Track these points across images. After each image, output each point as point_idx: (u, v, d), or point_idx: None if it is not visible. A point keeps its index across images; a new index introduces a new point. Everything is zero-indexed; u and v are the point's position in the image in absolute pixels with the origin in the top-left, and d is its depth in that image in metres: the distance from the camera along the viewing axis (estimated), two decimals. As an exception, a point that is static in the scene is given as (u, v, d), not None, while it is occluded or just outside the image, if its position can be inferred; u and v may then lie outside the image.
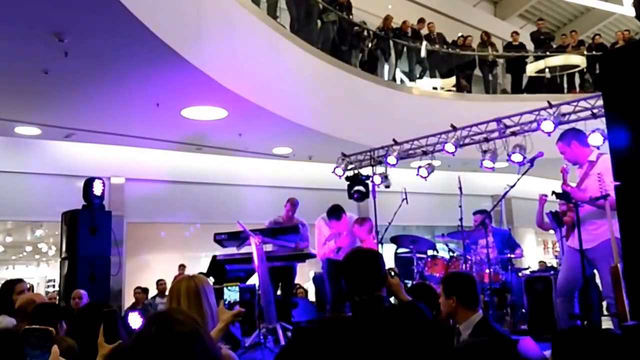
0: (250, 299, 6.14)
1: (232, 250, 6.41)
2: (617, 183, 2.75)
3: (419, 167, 7.34)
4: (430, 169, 7.30)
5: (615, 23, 15.98)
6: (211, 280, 6.46)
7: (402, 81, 10.51)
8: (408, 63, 10.78)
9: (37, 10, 4.60)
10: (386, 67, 10.35)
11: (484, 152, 6.69)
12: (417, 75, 10.79)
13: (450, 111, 9.22)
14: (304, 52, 8.04)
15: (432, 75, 10.92)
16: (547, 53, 11.54)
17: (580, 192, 4.26)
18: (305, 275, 10.23)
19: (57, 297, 7.29)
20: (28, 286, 4.15)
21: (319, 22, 9.00)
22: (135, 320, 2.33)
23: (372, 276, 2.31)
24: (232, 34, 6.73)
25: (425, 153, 7.28)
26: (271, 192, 9.65)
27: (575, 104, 6.16)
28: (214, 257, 6.78)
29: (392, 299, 2.73)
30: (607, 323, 4.64)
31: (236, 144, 9.01)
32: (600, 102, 5.49)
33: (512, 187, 5.60)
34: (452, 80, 11.10)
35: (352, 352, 2.03)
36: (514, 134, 6.49)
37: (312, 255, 6.54)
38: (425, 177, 7.34)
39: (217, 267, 6.63)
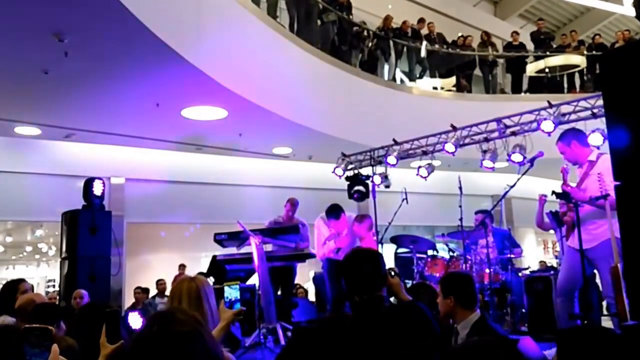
0: (250, 299, 6.14)
1: (232, 250, 6.41)
2: (617, 183, 2.75)
3: (419, 167, 7.34)
4: (430, 169, 7.30)
5: (615, 23, 15.99)
6: (211, 280, 6.46)
7: (402, 81, 10.51)
8: (408, 63, 10.78)
9: (37, 11, 4.60)
10: (386, 67, 10.35)
11: (484, 152, 6.69)
12: (417, 75, 10.79)
13: (450, 111, 9.22)
14: (304, 52, 8.04)
15: (432, 75, 10.92)
16: (547, 53, 11.54)
17: (580, 192, 4.26)
18: (305, 275, 10.23)
19: (57, 297, 7.29)
20: (29, 286, 4.14)
21: (318, 22, 9.00)
22: (135, 320, 2.33)
23: (372, 276, 2.31)
24: (232, 34, 6.73)
25: (425, 153, 7.28)
26: (271, 192, 9.65)
27: (575, 104, 6.16)
28: (214, 257, 6.78)
29: (392, 299, 2.73)
30: (607, 323, 4.64)
31: (236, 144, 9.02)
32: (600, 102, 5.49)
33: (512, 187, 5.60)
34: (452, 80, 11.10)
35: (352, 352, 2.03)
36: (514, 134, 6.49)
37: (312, 255, 6.54)
38: (425, 177, 7.34)
39: (217, 267, 6.63)
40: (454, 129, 6.82)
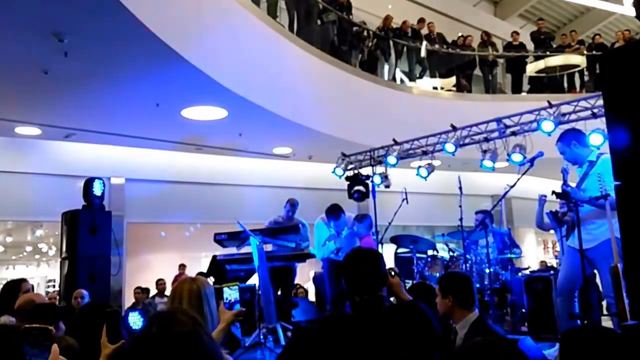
0: (250, 299, 6.14)
1: (232, 250, 6.41)
2: (617, 183, 2.75)
3: (419, 167, 7.34)
4: (430, 169, 7.30)
5: (615, 23, 15.98)
6: (211, 280, 6.46)
7: (402, 81, 10.51)
8: (408, 63, 10.78)
9: (37, 11, 4.60)
10: (386, 67, 10.35)
11: (484, 152, 6.70)
12: (417, 75, 10.79)
13: (450, 111, 9.22)
14: (304, 52, 8.05)
15: (432, 75, 10.92)
16: (547, 53, 11.54)
17: (579, 192, 4.27)
18: (305, 275, 10.23)
19: (58, 297, 7.29)
20: (30, 286, 4.14)
21: (318, 22, 9.00)
22: (135, 320, 2.33)
23: (373, 276, 2.31)
24: (232, 34, 6.73)
25: (425, 153, 7.28)
26: (271, 192, 9.65)
27: (575, 103, 6.16)
28: (214, 257, 6.78)
29: (392, 299, 2.73)
30: (607, 323, 4.64)
31: (236, 144, 9.02)
32: (600, 102, 5.50)
33: (512, 187, 5.60)
34: (452, 80, 11.10)
35: (352, 352, 2.03)
36: (514, 133, 6.49)
37: (312, 255, 6.54)
38: (425, 177, 7.34)
39: (217, 267, 6.63)
40: (454, 129, 6.82)
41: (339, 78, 8.62)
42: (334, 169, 7.90)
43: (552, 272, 6.67)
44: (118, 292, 8.22)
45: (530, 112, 6.37)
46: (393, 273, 2.69)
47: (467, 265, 6.44)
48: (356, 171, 7.80)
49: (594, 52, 11.20)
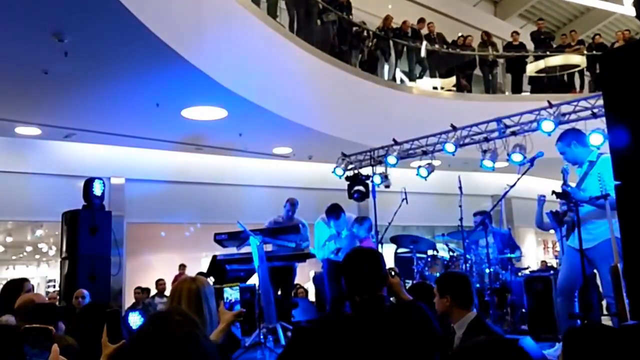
0: (250, 299, 6.14)
1: (232, 250, 6.41)
2: (617, 183, 2.75)
3: (419, 167, 7.34)
4: (430, 168, 7.30)
5: (615, 23, 15.98)
6: (211, 280, 6.46)
7: (402, 81, 10.51)
8: (408, 63, 10.78)
9: (37, 11, 4.60)
10: (386, 67, 10.35)
11: (484, 152, 6.70)
12: (417, 75, 10.79)
13: (450, 111, 9.21)
14: (304, 52, 8.05)
15: (432, 75, 10.92)
16: (547, 53, 11.54)
17: (579, 192, 4.27)
18: (305, 275, 10.23)
19: (58, 297, 7.29)
20: (31, 286, 4.14)
21: (318, 22, 9.00)
22: (135, 320, 2.33)
23: (373, 276, 2.31)
24: (232, 33, 6.73)
25: (425, 153, 7.28)
26: (271, 192, 9.65)
27: (575, 103, 6.16)
28: (214, 257, 6.78)
29: (392, 299, 2.73)
30: (607, 323, 4.64)
31: (236, 144, 9.02)
32: (600, 102, 5.50)
33: (512, 187, 5.60)
34: (452, 80, 11.10)
35: (352, 352, 2.03)
36: (514, 133, 6.49)
37: (312, 255, 6.54)
38: (425, 177, 7.34)
39: (217, 267, 6.63)
40: (454, 129, 6.82)
41: (339, 78, 8.62)
42: (334, 169, 7.90)
43: (552, 272, 6.66)
44: (118, 292, 8.22)
45: (530, 112, 6.37)
46: (393, 273, 2.69)
47: (467, 265, 6.44)
48: (356, 171, 7.80)
49: (594, 52, 11.20)
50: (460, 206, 6.11)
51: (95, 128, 7.89)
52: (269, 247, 6.41)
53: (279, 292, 6.61)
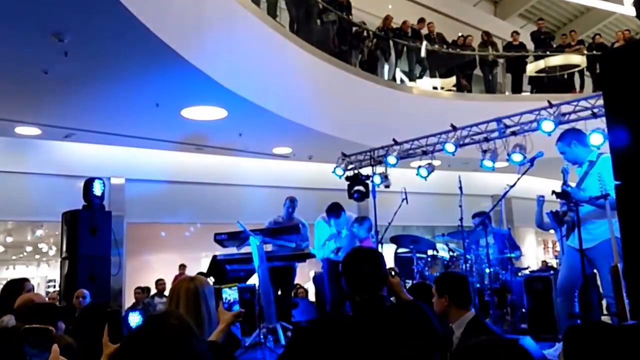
0: (250, 298, 6.14)
1: (232, 250, 6.41)
2: (617, 183, 2.75)
3: (419, 167, 7.34)
4: (430, 168, 7.30)
5: (615, 23, 15.98)
6: (211, 280, 6.46)
7: (402, 81, 10.51)
8: (408, 63, 10.78)
9: (37, 11, 4.60)
10: (386, 67, 10.35)
11: (484, 152, 6.70)
12: (417, 75, 10.79)
13: (450, 111, 9.21)
14: (304, 52, 8.04)
15: (432, 75, 10.92)
16: (547, 53, 11.54)
17: (579, 192, 4.27)
18: (305, 275, 10.23)
19: (58, 297, 7.29)
20: (32, 286, 4.14)
21: (318, 22, 9.00)
22: (135, 320, 2.33)
23: (373, 276, 2.31)
24: (232, 33, 6.73)
25: (425, 153, 7.28)
26: (271, 192, 9.65)
27: (575, 103, 6.16)
28: (214, 257, 6.78)
29: (392, 299, 2.73)
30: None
31: (236, 144, 9.01)
32: (601, 102, 5.50)
33: (512, 187, 5.60)
34: (452, 80, 11.10)
35: (353, 352, 2.03)
36: (514, 133, 6.49)
37: (312, 255, 6.54)
38: (425, 177, 7.34)
39: (217, 267, 6.63)
40: (454, 129, 6.82)
41: (339, 78, 8.62)
42: (334, 169, 7.90)
43: (552, 272, 6.66)
44: (118, 292, 8.22)
45: (530, 112, 6.37)
46: (393, 273, 2.69)
47: (467, 265, 6.44)
48: (356, 171, 7.80)
49: (594, 52, 11.20)
50: (460, 206, 6.11)
51: (95, 128, 7.89)
52: (269, 247, 6.41)
53: (279, 292, 6.61)
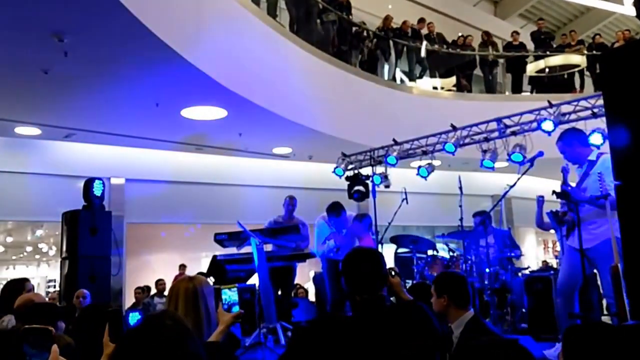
0: (250, 299, 6.14)
1: (232, 250, 6.41)
2: (618, 183, 2.75)
3: (419, 167, 7.34)
4: (430, 168, 7.30)
5: (615, 23, 15.98)
6: (211, 280, 6.46)
7: (402, 81, 10.51)
8: (408, 63, 10.78)
9: (37, 11, 4.60)
10: (386, 67, 10.35)
11: (484, 152, 6.69)
12: (417, 75, 10.79)
13: (450, 111, 9.21)
14: (303, 51, 8.04)
15: (432, 75, 10.92)
16: (547, 53, 11.54)
17: (580, 192, 4.27)
18: (305, 275, 10.24)
19: (58, 297, 7.29)
20: (32, 286, 4.15)
21: (318, 21, 9.00)
22: (135, 320, 2.34)
23: (373, 276, 2.31)
24: (232, 33, 6.72)
25: (425, 153, 7.27)
26: (271, 192, 9.65)
27: (575, 103, 6.16)
28: (214, 257, 6.78)
29: (392, 299, 2.73)
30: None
31: (236, 144, 9.02)
32: (601, 102, 5.49)
33: (512, 187, 5.60)
34: (452, 80, 11.10)
35: (353, 352, 2.03)
36: (514, 133, 6.49)
37: (312, 255, 6.54)
38: (425, 177, 7.34)
39: (217, 267, 6.63)
40: (454, 129, 6.82)
41: (339, 78, 8.62)
42: (334, 169, 7.90)
43: (552, 272, 6.66)
44: (118, 292, 8.22)
45: (530, 112, 6.37)
46: (393, 273, 2.69)
47: (467, 265, 6.44)
48: (356, 171, 7.80)
49: (594, 52, 11.20)
50: (460, 206, 6.11)
51: (95, 128, 7.89)
52: (269, 247, 6.41)
53: (279, 292, 6.60)
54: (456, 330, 2.99)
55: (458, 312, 3.03)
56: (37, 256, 16.07)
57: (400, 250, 7.39)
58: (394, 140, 7.40)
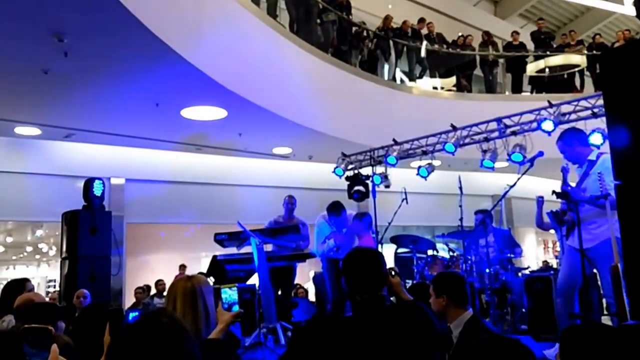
0: (250, 299, 6.14)
1: (232, 250, 6.41)
2: (618, 182, 2.75)
3: (419, 167, 7.34)
4: (430, 168, 7.30)
5: (615, 23, 15.98)
6: (211, 280, 6.46)
7: (402, 81, 10.51)
8: (408, 63, 10.78)
9: (37, 10, 4.60)
10: (386, 67, 10.35)
11: (484, 151, 6.70)
12: (417, 75, 10.78)
13: (450, 111, 9.22)
14: (303, 52, 8.04)
15: (432, 75, 10.92)
16: (548, 53, 11.54)
17: (579, 192, 4.27)
18: (305, 275, 10.23)
19: (58, 297, 7.29)
20: (32, 286, 4.15)
21: (318, 21, 9.00)
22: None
23: (373, 276, 2.32)
24: (232, 33, 6.72)
25: (425, 153, 7.27)
26: (271, 192, 9.65)
27: (575, 103, 6.16)
28: (214, 257, 6.78)
29: (392, 299, 2.73)
30: (607, 323, 4.64)
31: (236, 144, 9.01)
32: (601, 102, 5.50)
33: (512, 187, 5.60)
34: (452, 80, 11.10)
35: (353, 352, 2.03)
36: (514, 133, 6.49)
37: (312, 255, 6.54)
38: (425, 177, 7.34)
39: (217, 267, 6.63)
40: (454, 129, 6.82)
41: (339, 78, 8.62)
42: (334, 169, 7.90)
43: (552, 272, 6.66)
44: (118, 292, 8.22)
45: (530, 112, 6.37)
46: (393, 273, 2.70)
47: (467, 265, 6.44)
48: (356, 171, 7.80)
49: (594, 52, 11.20)
50: (460, 206, 6.11)
51: (95, 128, 7.89)
52: (269, 247, 6.41)
53: (279, 292, 6.60)
54: (455, 330, 2.99)
55: (457, 312, 3.03)
56: (37, 256, 16.07)
57: (400, 250, 7.39)
58: (394, 140, 7.40)
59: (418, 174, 7.35)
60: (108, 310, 1.99)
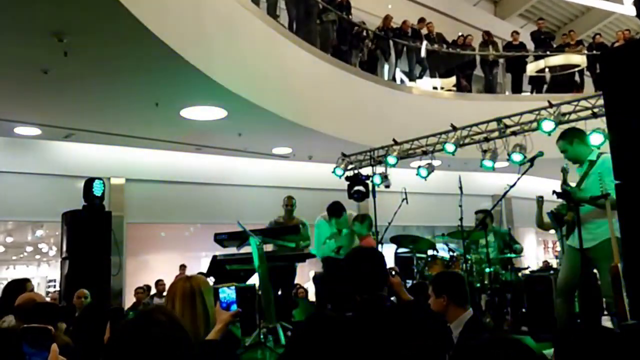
0: (250, 299, 6.13)
1: (232, 250, 6.40)
2: (618, 182, 2.75)
3: (419, 167, 7.34)
4: (430, 168, 7.30)
5: (615, 23, 15.99)
6: (211, 280, 6.45)
7: (402, 81, 10.51)
8: (408, 63, 10.78)
9: (37, 11, 4.60)
10: (386, 67, 10.35)
11: (484, 151, 6.70)
12: (417, 75, 10.78)
13: (450, 111, 9.21)
14: (303, 52, 8.04)
15: (432, 75, 10.92)
16: (548, 53, 11.54)
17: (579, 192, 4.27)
18: (305, 275, 10.23)
19: (58, 297, 7.29)
20: (32, 286, 4.16)
21: (318, 21, 9.00)
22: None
23: (373, 276, 2.32)
24: (232, 33, 6.72)
25: (425, 153, 7.28)
26: (271, 192, 9.64)
27: (575, 103, 6.16)
28: (214, 257, 6.78)
29: (393, 298, 2.74)
30: (607, 323, 4.64)
31: (236, 144, 9.01)
32: (601, 102, 5.50)
33: (512, 186, 5.59)
34: (452, 80, 11.10)
35: (353, 352, 2.03)
36: (514, 133, 6.49)
37: (312, 255, 6.53)
38: (425, 177, 7.34)
39: (217, 267, 6.62)
40: (454, 129, 6.82)
41: (338, 78, 8.62)
42: (334, 169, 7.90)
43: (552, 272, 6.66)
44: (118, 292, 8.22)
45: (530, 112, 6.37)
46: (394, 273, 2.70)
47: (467, 265, 6.44)
48: (356, 171, 7.80)
49: (594, 52, 11.20)
50: (460, 206, 6.10)
51: (95, 128, 7.89)
52: (269, 247, 6.41)
53: (279, 292, 6.60)
54: (455, 330, 2.98)
55: (457, 312, 3.02)
56: (37, 256, 16.07)
57: (400, 250, 7.39)
58: (394, 140, 7.40)
59: (418, 174, 7.35)
60: (109, 309, 1.99)
